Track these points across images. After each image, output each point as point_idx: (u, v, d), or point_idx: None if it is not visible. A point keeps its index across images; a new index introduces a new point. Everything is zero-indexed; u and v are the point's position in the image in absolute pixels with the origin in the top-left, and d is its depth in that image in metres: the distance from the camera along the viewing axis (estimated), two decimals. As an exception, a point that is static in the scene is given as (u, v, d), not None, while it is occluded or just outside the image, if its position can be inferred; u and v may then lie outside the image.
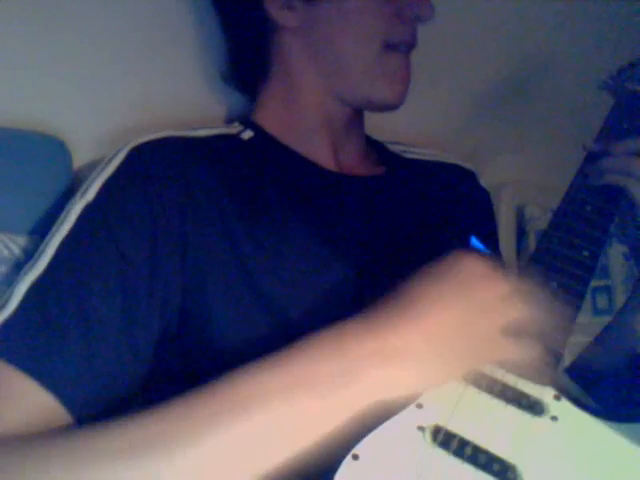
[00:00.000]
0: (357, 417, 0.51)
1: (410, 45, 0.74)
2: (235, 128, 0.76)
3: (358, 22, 0.71)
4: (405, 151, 0.87)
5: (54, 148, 0.74)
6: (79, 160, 0.77)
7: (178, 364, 0.67)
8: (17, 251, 0.68)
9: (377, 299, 0.56)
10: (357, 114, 0.78)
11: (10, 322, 0.56)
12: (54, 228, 0.62)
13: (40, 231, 0.68)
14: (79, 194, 0.64)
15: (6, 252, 0.68)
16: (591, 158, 0.70)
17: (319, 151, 0.75)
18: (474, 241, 0.66)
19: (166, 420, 0.51)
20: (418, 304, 0.54)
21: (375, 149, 0.84)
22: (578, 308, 0.59)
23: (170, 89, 0.84)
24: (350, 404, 0.51)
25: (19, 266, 0.62)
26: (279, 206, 0.69)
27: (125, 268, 0.60)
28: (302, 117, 0.76)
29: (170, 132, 0.69)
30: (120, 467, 0.49)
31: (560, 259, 0.62)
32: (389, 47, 0.72)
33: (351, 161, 0.78)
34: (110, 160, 0.65)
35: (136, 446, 0.49)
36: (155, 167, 0.65)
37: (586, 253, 0.62)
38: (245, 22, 0.77)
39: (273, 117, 0.76)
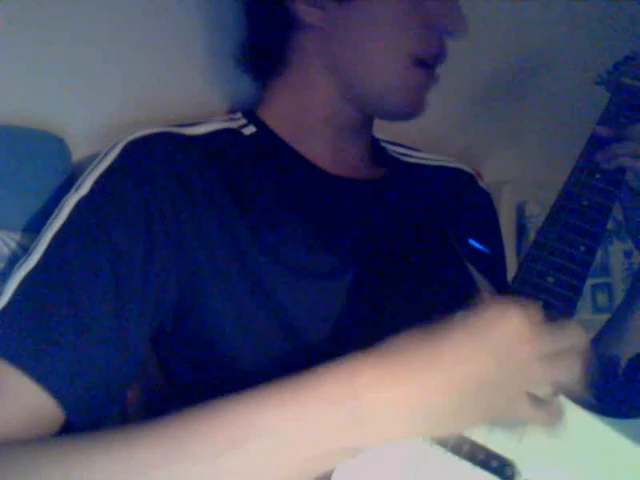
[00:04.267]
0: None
1: (438, 59, 0.72)
2: (237, 121, 0.75)
3: (388, 34, 0.69)
4: (405, 154, 0.86)
5: (53, 145, 0.74)
6: (78, 157, 0.77)
7: (177, 361, 0.67)
8: (15, 248, 0.68)
9: (394, 336, 0.53)
10: (367, 119, 0.77)
11: (2, 317, 0.56)
12: (48, 222, 0.62)
13: (39, 228, 0.68)
14: (73, 189, 0.63)
15: (5, 249, 0.68)
16: (587, 153, 0.70)
17: (320, 152, 0.75)
18: (472, 242, 0.66)
19: (155, 450, 0.49)
20: (446, 357, 0.51)
21: (376, 151, 0.83)
22: (575, 304, 0.59)
23: (170, 84, 0.84)
24: (352, 449, 0.50)
25: (17, 263, 0.62)
26: (277, 205, 0.68)
27: (118, 263, 0.59)
28: (308, 117, 0.75)
29: (166, 128, 0.68)
30: None
31: (557, 254, 0.61)
32: (417, 61, 0.70)
33: (352, 164, 0.77)
34: (105, 155, 0.65)
35: (123, 472, 0.49)
36: (150, 162, 0.64)
37: (583, 248, 0.62)
38: (268, 13, 0.74)
39: (278, 114, 0.75)
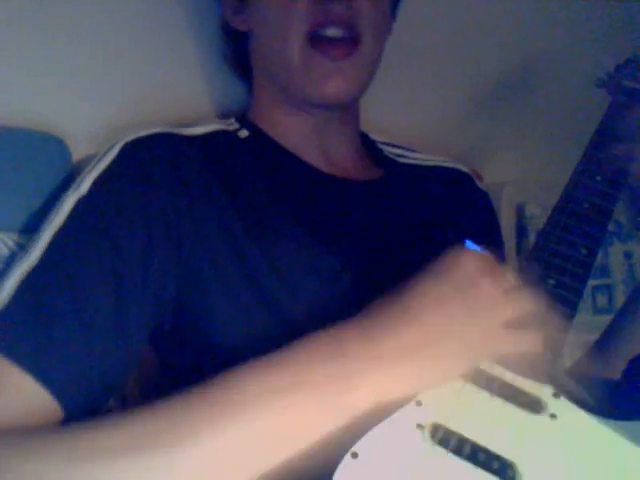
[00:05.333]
0: (356, 418, 0.51)
1: (344, 36, 0.68)
2: (231, 126, 0.76)
3: (277, 16, 0.69)
4: (402, 155, 0.86)
5: (53, 146, 0.74)
6: (78, 158, 0.77)
7: (177, 359, 0.67)
8: (15, 249, 0.68)
9: (373, 301, 0.56)
10: (343, 116, 0.77)
11: (2, 314, 0.56)
12: (47, 221, 0.62)
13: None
14: (72, 188, 0.63)
15: (5, 250, 0.68)
16: (589, 155, 0.70)
17: (310, 152, 0.75)
18: (469, 244, 0.66)
19: (165, 420, 0.50)
20: (416, 305, 0.54)
21: (372, 153, 0.83)
22: (576, 306, 0.59)
23: (168, 86, 0.84)
24: (348, 407, 0.51)
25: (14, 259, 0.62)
26: (274, 207, 0.69)
27: (118, 260, 0.59)
28: (283, 116, 0.76)
29: (165, 128, 0.69)
30: (118, 465, 0.48)
31: (558, 257, 0.62)
32: (316, 39, 0.68)
33: (346, 164, 0.78)
34: (104, 155, 0.65)
35: (135, 444, 0.49)
36: (149, 162, 0.65)
37: (584, 251, 0.62)
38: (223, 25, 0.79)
39: (267, 117, 0.76)
